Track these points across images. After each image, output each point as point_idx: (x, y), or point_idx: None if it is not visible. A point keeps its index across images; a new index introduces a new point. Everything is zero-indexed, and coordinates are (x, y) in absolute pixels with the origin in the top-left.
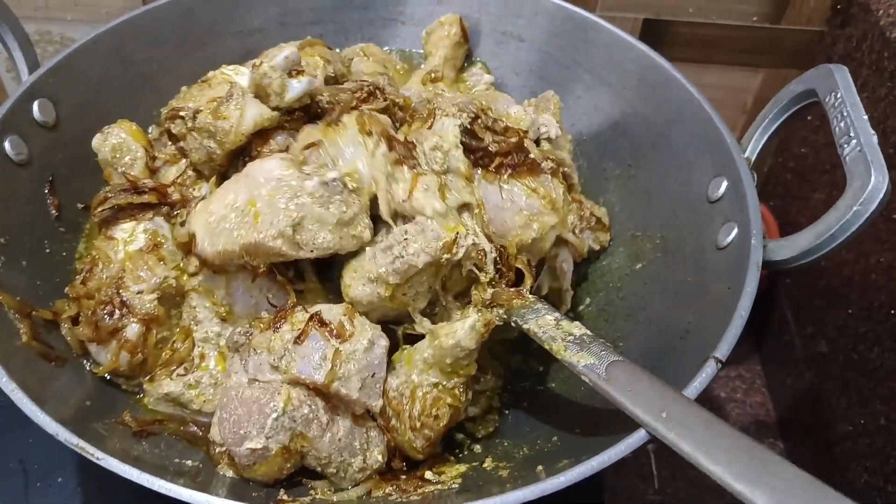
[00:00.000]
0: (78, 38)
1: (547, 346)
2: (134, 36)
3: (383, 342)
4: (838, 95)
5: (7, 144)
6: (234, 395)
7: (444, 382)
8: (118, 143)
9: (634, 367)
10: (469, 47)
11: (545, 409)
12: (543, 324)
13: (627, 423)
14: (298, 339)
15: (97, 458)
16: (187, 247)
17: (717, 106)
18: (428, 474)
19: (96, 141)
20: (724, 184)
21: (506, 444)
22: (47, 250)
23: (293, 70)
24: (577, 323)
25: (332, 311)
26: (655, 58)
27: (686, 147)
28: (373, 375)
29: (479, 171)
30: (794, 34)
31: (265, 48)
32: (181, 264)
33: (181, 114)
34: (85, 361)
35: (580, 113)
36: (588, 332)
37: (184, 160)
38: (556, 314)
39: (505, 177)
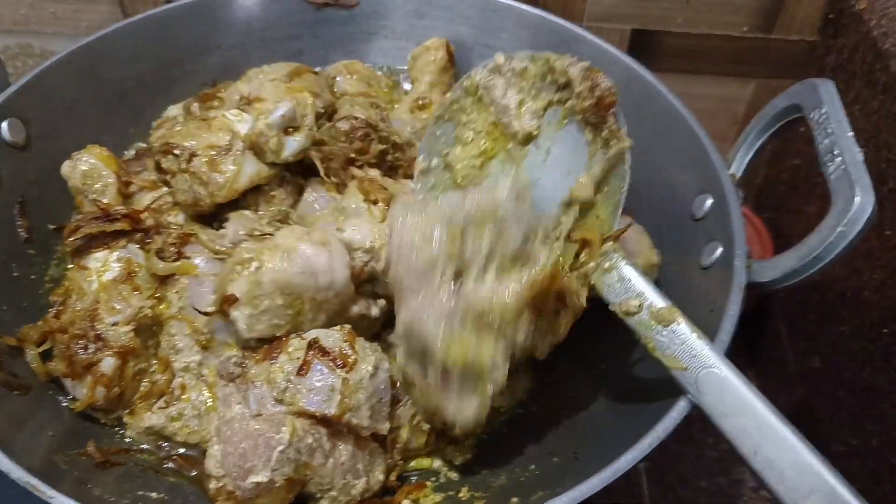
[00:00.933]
0: (59, 51)
1: (637, 336)
2: (109, 53)
3: (386, 364)
4: (823, 111)
5: None
6: (238, 427)
7: None
8: (88, 170)
9: (729, 376)
10: (456, 70)
11: (525, 434)
12: (627, 306)
13: (607, 453)
14: (301, 371)
15: (49, 497)
16: (164, 279)
17: (708, 117)
18: (405, 503)
19: (66, 168)
20: (709, 201)
21: (483, 472)
22: (15, 273)
23: (289, 127)
24: (668, 304)
25: (330, 338)
26: (640, 71)
27: (671, 162)
28: (380, 400)
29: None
30: (785, 44)
31: (245, 64)
32: (156, 293)
33: (175, 151)
34: (60, 397)
35: None
36: (679, 314)
37: (164, 188)
38: (642, 279)
39: None
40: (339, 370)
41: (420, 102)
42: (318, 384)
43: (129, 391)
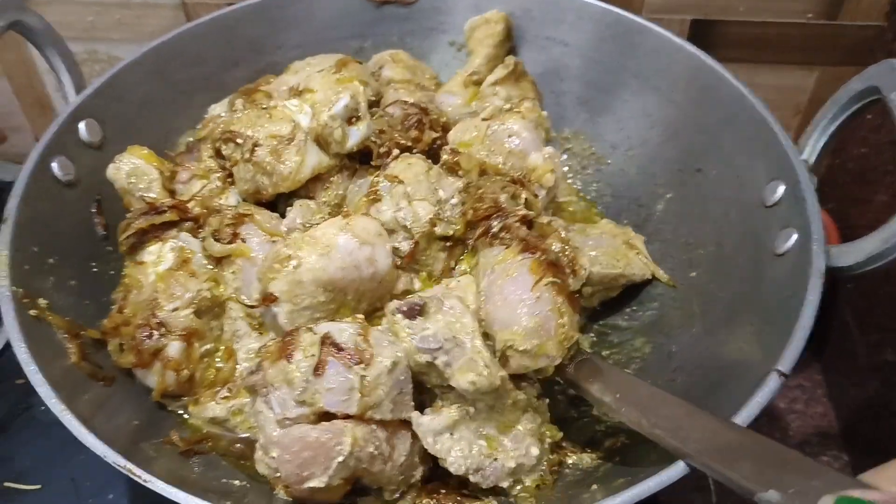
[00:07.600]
0: (123, 56)
1: None
2: (176, 55)
3: (403, 355)
4: None
5: (55, 165)
6: (298, 435)
7: None
8: (132, 170)
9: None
10: (512, 45)
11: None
12: None
13: None
14: (317, 371)
15: (144, 481)
16: (220, 260)
17: (770, 107)
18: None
19: (111, 171)
20: (781, 188)
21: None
22: (94, 269)
23: (352, 117)
24: None
25: (343, 333)
26: (705, 59)
27: (739, 151)
28: (401, 391)
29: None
30: (851, 30)
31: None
32: (214, 275)
33: (238, 140)
34: (140, 388)
35: (627, 118)
36: None
37: (215, 177)
38: None
39: None
40: (355, 367)
41: (474, 77)
42: (336, 384)
43: (200, 374)
